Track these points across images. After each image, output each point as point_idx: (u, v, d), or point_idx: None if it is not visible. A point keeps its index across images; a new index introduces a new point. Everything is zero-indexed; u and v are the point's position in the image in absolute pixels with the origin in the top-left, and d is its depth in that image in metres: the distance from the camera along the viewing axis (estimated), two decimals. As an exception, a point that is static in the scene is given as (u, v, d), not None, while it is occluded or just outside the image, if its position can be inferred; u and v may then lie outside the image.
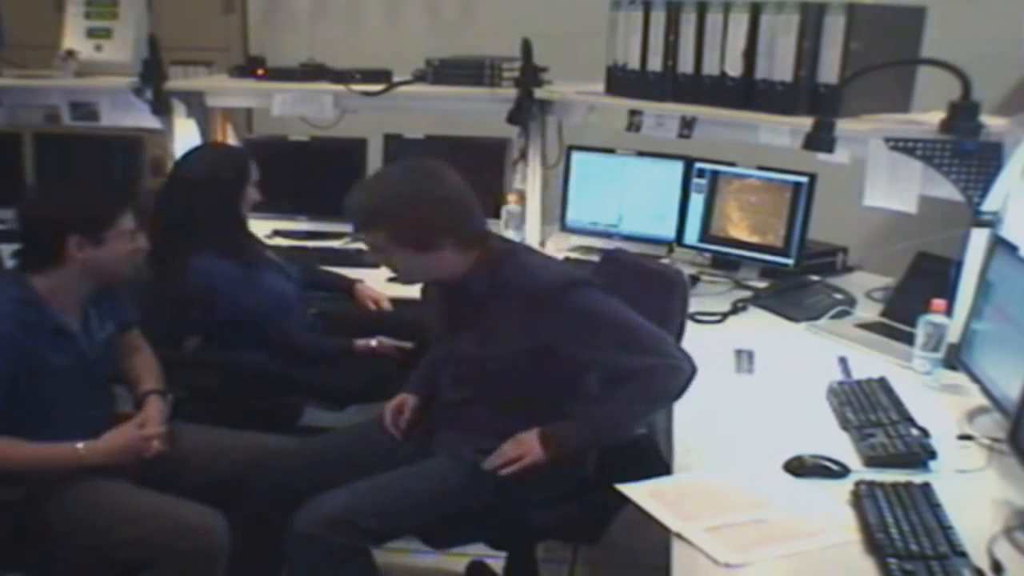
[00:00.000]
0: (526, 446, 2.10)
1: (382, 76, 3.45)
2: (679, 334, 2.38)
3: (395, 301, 3.03)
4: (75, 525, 2.07)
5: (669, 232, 3.31)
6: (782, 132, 2.82)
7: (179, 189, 2.78)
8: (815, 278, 3.03)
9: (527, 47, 3.30)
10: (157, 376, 2.40)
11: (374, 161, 3.58)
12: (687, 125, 3.02)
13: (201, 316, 2.73)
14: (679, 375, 2.07)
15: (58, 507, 2.08)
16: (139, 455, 2.18)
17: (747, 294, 2.97)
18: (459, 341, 2.22)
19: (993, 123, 2.48)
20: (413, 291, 3.06)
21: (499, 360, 2.15)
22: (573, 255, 3.38)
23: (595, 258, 2.89)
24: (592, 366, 2.15)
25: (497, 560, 2.63)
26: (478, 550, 2.40)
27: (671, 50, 3.00)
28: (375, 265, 3.28)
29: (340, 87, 3.43)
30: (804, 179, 3.02)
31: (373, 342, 2.80)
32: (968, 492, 1.82)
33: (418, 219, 2.03)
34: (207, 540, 2.07)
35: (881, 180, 2.65)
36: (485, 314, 2.15)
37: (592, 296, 2.09)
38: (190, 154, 2.94)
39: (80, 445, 2.10)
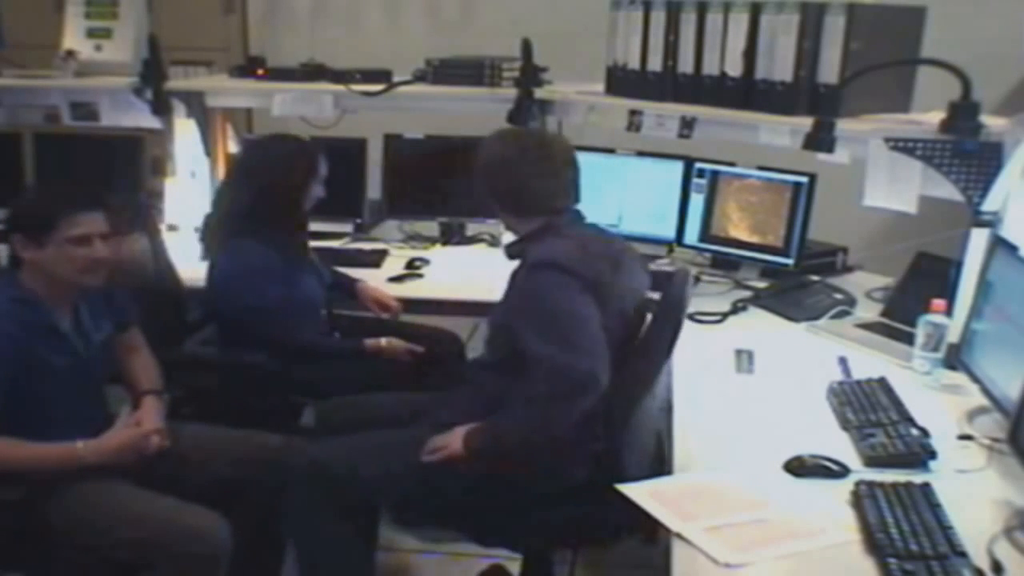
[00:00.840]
0: (452, 438, 2.14)
1: (382, 76, 3.45)
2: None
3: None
4: (75, 525, 2.08)
5: (669, 232, 3.31)
6: (782, 132, 2.82)
7: (245, 179, 2.78)
8: (815, 278, 3.03)
9: (527, 47, 3.30)
10: (155, 376, 2.41)
11: (374, 161, 3.59)
12: (687, 125, 3.02)
13: (225, 301, 2.74)
14: (571, 375, 2.02)
15: (58, 507, 2.08)
16: (139, 452, 2.18)
17: (747, 294, 2.97)
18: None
19: (993, 123, 2.48)
20: (415, 292, 3.09)
21: (493, 330, 2.24)
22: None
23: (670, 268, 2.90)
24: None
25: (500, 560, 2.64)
26: (479, 551, 2.40)
27: (671, 50, 3.00)
28: (376, 265, 3.33)
29: (340, 87, 3.43)
30: (804, 179, 3.02)
31: (383, 341, 2.79)
32: (968, 492, 1.81)
33: (477, 175, 2.32)
34: (209, 544, 2.07)
35: (881, 180, 2.65)
36: (510, 283, 2.27)
37: (546, 277, 2.11)
38: (260, 144, 2.92)
39: (80, 444, 2.11)
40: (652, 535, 2.11)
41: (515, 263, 2.26)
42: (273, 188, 2.72)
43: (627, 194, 3.38)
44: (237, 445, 2.37)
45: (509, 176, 2.24)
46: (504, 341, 2.20)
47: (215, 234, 2.79)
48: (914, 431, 1.98)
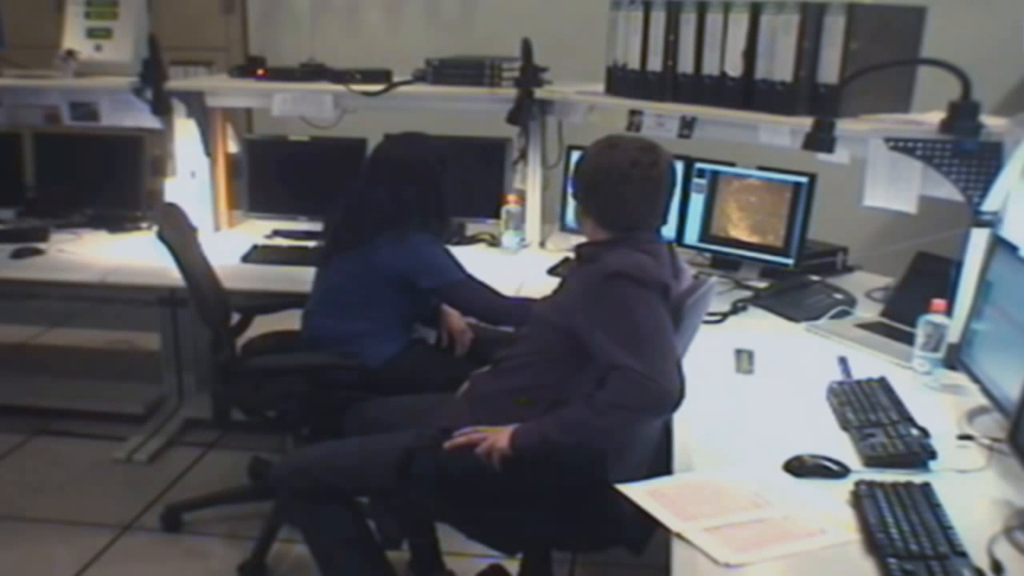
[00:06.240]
0: (499, 433, 2.10)
1: (382, 76, 3.46)
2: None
3: None
4: None
5: (669, 232, 3.29)
6: (782, 132, 2.82)
7: (405, 177, 2.79)
8: (815, 278, 3.03)
9: (527, 47, 3.30)
10: None
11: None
12: (687, 125, 3.02)
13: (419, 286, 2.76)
14: (648, 389, 1.99)
15: None
16: None
17: (747, 294, 2.97)
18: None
19: (993, 123, 2.48)
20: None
21: (538, 328, 2.24)
22: (574, 255, 3.38)
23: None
24: (589, 353, 2.10)
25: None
26: (479, 551, 2.40)
27: (671, 50, 3.00)
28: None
29: (340, 87, 3.44)
30: (804, 179, 3.02)
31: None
32: (968, 492, 1.82)
33: (577, 177, 2.26)
34: None
35: (881, 180, 2.65)
36: (567, 283, 2.29)
37: (625, 288, 2.07)
38: (412, 143, 2.91)
39: None
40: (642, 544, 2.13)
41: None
42: (435, 186, 2.79)
43: (627, 194, 3.37)
44: None
45: (610, 190, 2.17)
46: (550, 339, 2.18)
47: (362, 231, 2.75)
48: (914, 431, 1.98)
